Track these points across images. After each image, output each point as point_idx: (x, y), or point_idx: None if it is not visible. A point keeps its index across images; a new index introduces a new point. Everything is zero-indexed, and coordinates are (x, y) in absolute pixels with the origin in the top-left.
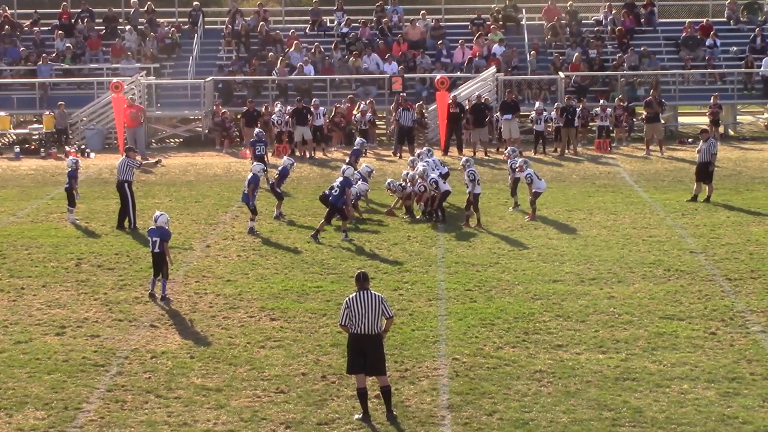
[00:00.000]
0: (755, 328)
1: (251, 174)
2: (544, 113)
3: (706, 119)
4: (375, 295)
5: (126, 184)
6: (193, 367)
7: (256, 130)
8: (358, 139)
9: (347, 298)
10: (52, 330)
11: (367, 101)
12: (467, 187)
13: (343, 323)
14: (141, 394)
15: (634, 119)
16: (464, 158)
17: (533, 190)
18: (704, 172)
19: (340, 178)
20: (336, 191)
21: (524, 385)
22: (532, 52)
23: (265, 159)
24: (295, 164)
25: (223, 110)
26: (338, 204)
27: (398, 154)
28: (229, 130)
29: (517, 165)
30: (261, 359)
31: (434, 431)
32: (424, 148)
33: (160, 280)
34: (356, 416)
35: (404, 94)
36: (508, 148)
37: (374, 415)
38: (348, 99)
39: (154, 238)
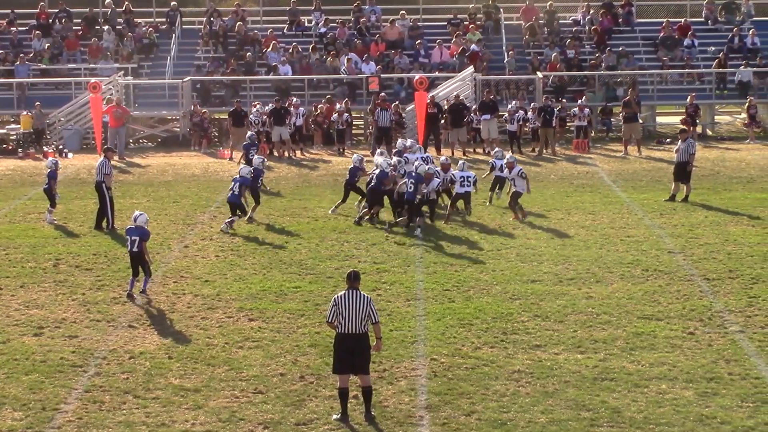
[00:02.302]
0: (733, 328)
1: (239, 176)
2: (517, 113)
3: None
4: (364, 296)
5: (103, 185)
6: (171, 368)
7: (249, 133)
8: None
9: (335, 296)
10: (29, 330)
11: (343, 101)
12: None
13: (329, 321)
14: (119, 395)
15: (612, 119)
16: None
17: (513, 190)
18: (682, 171)
19: (411, 174)
20: (410, 188)
21: (502, 386)
22: (510, 52)
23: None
24: (265, 161)
25: (203, 110)
26: (413, 198)
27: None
28: (207, 131)
29: (506, 161)
30: (239, 360)
31: (412, 431)
32: (409, 141)
33: (139, 281)
34: (334, 416)
35: (383, 95)
36: (496, 149)
37: (352, 415)
38: (327, 99)
39: (133, 237)
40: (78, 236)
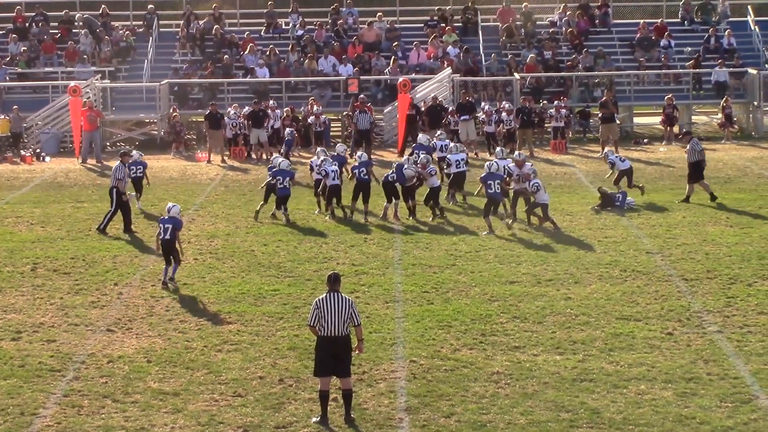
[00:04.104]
0: (712, 328)
1: (280, 168)
2: (494, 114)
3: (668, 119)
4: (345, 298)
5: (115, 190)
6: (149, 372)
7: (288, 129)
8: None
9: (317, 300)
10: (7, 335)
11: (313, 103)
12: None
13: (311, 324)
14: (98, 399)
15: (590, 120)
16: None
17: (538, 201)
18: (695, 172)
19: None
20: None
21: (482, 387)
22: (492, 55)
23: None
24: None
25: (174, 114)
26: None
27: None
28: (180, 134)
29: (527, 171)
30: (218, 363)
31: None
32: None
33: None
34: (314, 419)
35: (363, 96)
36: (498, 148)
37: (332, 418)
38: (311, 101)
39: (167, 225)
40: (56, 240)
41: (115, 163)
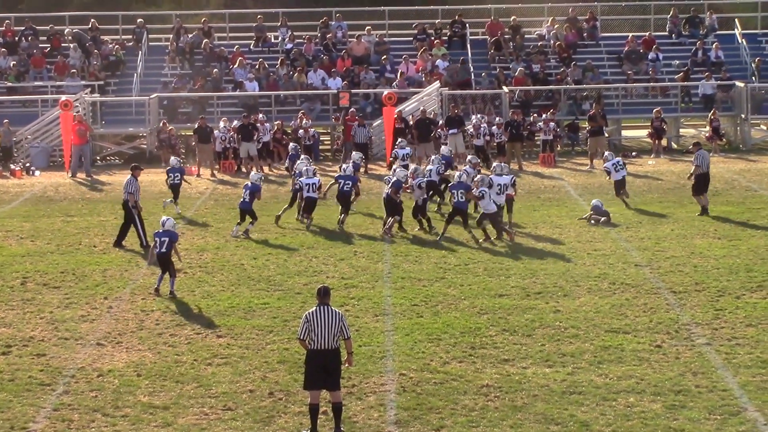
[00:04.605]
0: (700, 340)
1: (251, 183)
2: (482, 127)
3: (657, 132)
4: (335, 311)
5: (128, 203)
6: (139, 385)
7: (291, 144)
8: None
9: (307, 313)
10: None
11: (303, 116)
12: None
13: (301, 337)
14: (88, 413)
15: (579, 133)
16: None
17: (484, 210)
18: (704, 184)
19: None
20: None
21: (471, 400)
22: (483, 74)
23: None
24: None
25: (169, 127)
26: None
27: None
28: (174, 147)
29: (478, 179)
30: (208, 376)
31: None
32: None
33: (165, 282)
34: None
35: (353, 110)
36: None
37: (321, 431)
38: (300, 115)
39: (163, 239)
40: (46, 254)
41: (126, 177)
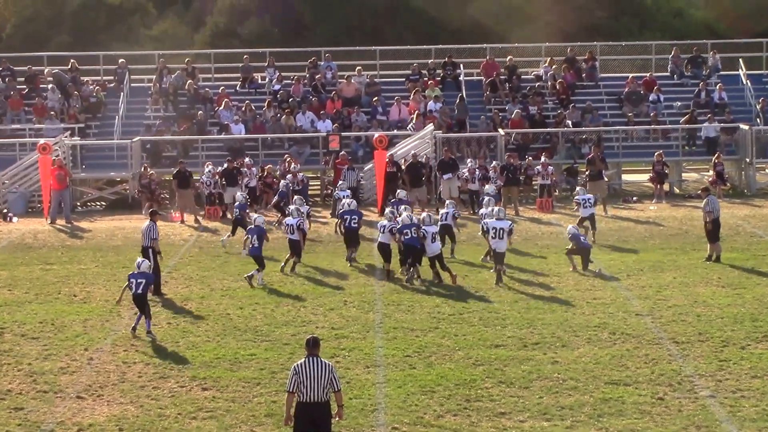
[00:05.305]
0: (704, 393)
1: (255, 226)
2: (477, 172)
3: (658, 176)
4: (325, 363)
5: (150, 250)
6: None
7: (282, 183)
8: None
9: (295, 365)
10: None
11: (287, 160)
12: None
13: (290, 390)
14: None
15: (578, 177)
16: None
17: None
18: (717, 229)
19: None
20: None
21: None
22: (482, 117)
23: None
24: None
25: (150, 171)
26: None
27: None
28: (155, 193)
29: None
30: (193, 431)
31: None
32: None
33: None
34: None
35: (344, 153)
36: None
37: None
38: (286, 159)
39: (139, 280)
40: (24, 304)
41: (145, 223)
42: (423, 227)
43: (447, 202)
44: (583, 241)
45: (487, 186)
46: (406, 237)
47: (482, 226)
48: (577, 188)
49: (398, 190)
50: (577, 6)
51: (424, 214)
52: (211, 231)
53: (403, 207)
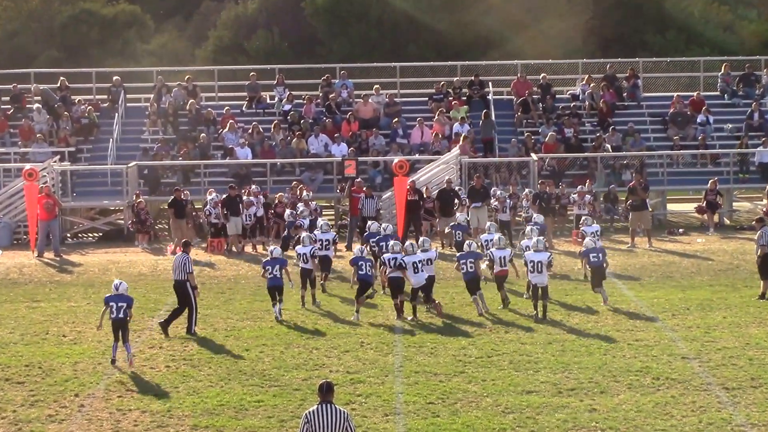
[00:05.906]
0: None
1: (272, 258)
2: (508, 201)
3: (710, 206)
4: (340, 410)
5: (187, 284)
6: None
7: (288, 211)
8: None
9: (307, 412)
10: None
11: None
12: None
13: None
14: None
15: (618, 207)
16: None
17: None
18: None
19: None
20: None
21: None
22: (513, 140)
23: None
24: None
25: (139, 200)
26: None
27: (351, 247)
28: (144, 223)
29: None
30: None
31: None
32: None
33: (122, 346)
34: None
35: (360, 180)
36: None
37: None
38: (294, 186)
39: (120, 303)
40: (8, 345)
41: (172, 257)
42: (403, 257)
43: (488, 224)
44: (594, 258)
45: (535, 215)
46: (360, 272)
47: (488, 255)
48: (583, 217)
49: (457, 214)
50: (616, 20)
51: (407, 243)
52: (212, 265)
53: (392, 242)
